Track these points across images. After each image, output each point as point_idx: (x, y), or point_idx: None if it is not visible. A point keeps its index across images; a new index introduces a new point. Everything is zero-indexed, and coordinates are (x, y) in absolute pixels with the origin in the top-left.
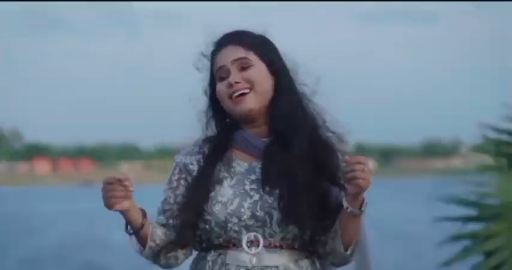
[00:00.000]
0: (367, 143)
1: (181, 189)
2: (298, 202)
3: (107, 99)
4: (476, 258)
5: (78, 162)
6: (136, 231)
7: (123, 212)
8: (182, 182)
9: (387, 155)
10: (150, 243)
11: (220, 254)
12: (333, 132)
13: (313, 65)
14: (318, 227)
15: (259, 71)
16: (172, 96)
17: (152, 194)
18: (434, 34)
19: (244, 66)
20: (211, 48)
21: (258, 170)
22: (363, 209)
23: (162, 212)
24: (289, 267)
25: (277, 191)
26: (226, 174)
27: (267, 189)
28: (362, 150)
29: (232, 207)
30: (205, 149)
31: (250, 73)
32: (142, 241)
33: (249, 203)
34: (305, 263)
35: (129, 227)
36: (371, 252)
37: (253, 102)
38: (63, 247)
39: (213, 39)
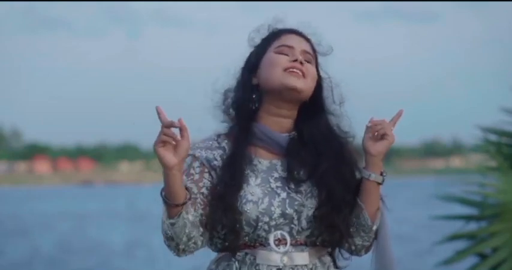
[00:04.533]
0: None
1: (205, 182)
2: (337, 211)
3: (107, 99)
4: (474, 258)
5: (78, 162)
6: (172, 203)
7: (166, 172)
8: (206, 175)
9: (387, 155)
10: (185, 215)
11: (246, 253)
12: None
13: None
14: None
15: (313, 71)
16: (172, 96)
17: (152, 193)
18: (434, 33)
19: (307, 60)
20: (276, 28)
21: (278, 167)
22: (384, 174)
23: None
24: (316, 264)
25: (302, 189)
26: (250, 172)
27: (293, 187)
28: (362, 150)
29: (263, 206)
30: (224, 144)
31: (309, 67)
32: (173, 213)
33: (278, 201)
34: (327, 260)
35: (163, 193)
36: (392, 250)
37: (303, 85)
38: (62, 247)
39: (280, 26)
